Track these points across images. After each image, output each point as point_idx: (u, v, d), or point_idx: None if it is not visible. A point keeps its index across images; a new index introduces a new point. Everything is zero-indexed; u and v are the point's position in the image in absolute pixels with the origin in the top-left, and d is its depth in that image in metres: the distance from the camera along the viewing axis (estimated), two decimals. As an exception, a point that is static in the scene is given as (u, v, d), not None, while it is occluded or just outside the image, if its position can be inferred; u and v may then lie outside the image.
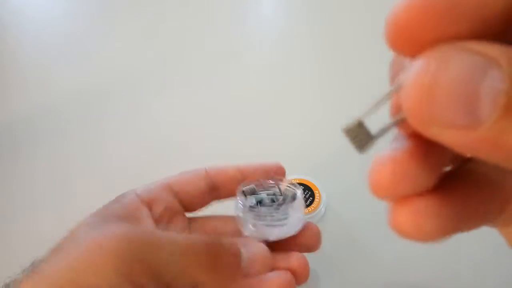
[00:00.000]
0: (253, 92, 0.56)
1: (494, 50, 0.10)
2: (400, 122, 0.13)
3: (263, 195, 0.30)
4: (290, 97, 0.55)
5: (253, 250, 0.27)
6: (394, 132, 0.14)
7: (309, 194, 0.40)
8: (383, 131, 0.14)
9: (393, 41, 0.12)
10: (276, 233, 0.27)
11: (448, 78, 0.10)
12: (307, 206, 0.39)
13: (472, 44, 0.10)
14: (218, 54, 0.63)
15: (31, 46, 0.68)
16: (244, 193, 0.29)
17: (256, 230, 0.28)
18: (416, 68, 0.11)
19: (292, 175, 0.42)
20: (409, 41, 0.11)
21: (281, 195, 0.30)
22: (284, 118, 0.51)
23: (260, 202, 0.29)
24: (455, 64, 0.10)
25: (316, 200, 0.40)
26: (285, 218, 0.28)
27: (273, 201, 0.29)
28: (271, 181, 0.30)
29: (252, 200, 0.29)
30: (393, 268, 0.36)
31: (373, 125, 0.14)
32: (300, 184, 0.41)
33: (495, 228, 0.16)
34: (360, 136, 0.13)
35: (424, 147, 0.13)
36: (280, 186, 0.30)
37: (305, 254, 0.37)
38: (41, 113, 0.54)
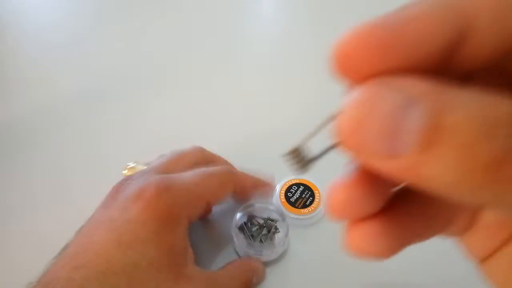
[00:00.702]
0: (253, 92, 0.56)
1: (418, 88, 0.11)
2: (338, 145, 0.14)
3: (253, 230, 0.37)
4: (290, 97, 0.55)
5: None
6: (335, 152, 0.15)
7: (309, 194, 0.40)
8: (322, 154, 0.15)
9: (337, 69, 0.13)
10: (267, 258, 0.36)
11: (375, 113, 0.12)
12: (307, 206, 0.39)
13: (400, 81, 0.12)
14: (218, 54, 0.63)
15: (31, 46, 0.68)
16: (239, 229, 0.37)
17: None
18: (350, 100, 0.12)
19: (292, 175, 0.42)
20: (350, 71, 0.13)
21: (265, 225, 0.38)
22: (284, 118, 0.51)
23: (252, 236, 0.37)
24: (382, 100, 0.12)
25: (316, 200, 0.40)
26: (273, 248, 0.36)
27: (262, 227, 0.38)
28: (260, 204, 0.39)
29: (244, 238, 0.37)
30: (393, 268, 0.35)
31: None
32: (300, 184, 0.41)
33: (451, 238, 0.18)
34: (298, 161, 0.15)
35: (370, 172, 0.14)
36: (267, 214, 0.39)
37: (305, 255, 0.37)
38: (41, 113, 0.54)
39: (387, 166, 0.12)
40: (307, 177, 0.42)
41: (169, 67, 0.61)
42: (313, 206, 0.39)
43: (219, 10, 0.75)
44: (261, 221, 0.38)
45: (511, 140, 0.10)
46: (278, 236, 0.37)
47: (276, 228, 0.37)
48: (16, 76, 0.62)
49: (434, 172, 0.11)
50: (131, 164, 0.41)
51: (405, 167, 0.11)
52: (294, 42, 0.67)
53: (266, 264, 0.36)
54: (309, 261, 0.37)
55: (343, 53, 0.12)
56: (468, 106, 0.11)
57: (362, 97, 0.12)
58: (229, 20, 0.73)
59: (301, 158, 0.15)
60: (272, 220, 0.38)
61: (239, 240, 0.36)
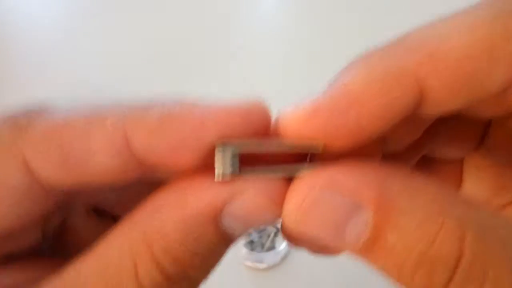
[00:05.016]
0: (252, 92, 0.55)
1: (366, 189, 0.11)
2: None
3: (253, 236, 0.37)
4: (289, 97, 0.54)
5: None
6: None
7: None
8: (253, 174, 0.13)
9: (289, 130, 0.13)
10: (269, 263, 0.36)
11: (315, 221, 0.11)
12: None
13: (346, 178, 0.11)
14: (217, 54, 0.63)
15: (25, 45, 0.68)
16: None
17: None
18: (292, 201, 0.12)
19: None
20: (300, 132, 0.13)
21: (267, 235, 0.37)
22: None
23: (252, 242, 0.37)
24: (323, 206, 0.11)
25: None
26: (274, 252, 0.36)
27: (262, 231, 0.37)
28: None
29: (244, 246, 0.37)
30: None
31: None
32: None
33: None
34: (226, 164, 0.12)
35: None
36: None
37: (307, 258, 0.37)
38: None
39: (338, 249, 0.12)
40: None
41: (168, 67, 0.60)
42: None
43: (219, 9, 0.75)
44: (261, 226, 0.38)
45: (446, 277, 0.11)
46: (279, 240, 0.37)
47: (277, 230, 0.37)
48: (9, 75, 0.61)
49: (378, 262, 0.11)
50: None
51: (354, 251, 0.12)
52: (295, 41, 0.66)
53: (268, 268, 0.35)
54: (311, 264, 0.36)
55: (290, 130, 0.13)
56: (408, 229, 0.11)
57: (304, 201, 0.12)
58: (229, 20, 0.72)
59: (228, 163, 0.12)
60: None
61: (238, 247, 0.36)
